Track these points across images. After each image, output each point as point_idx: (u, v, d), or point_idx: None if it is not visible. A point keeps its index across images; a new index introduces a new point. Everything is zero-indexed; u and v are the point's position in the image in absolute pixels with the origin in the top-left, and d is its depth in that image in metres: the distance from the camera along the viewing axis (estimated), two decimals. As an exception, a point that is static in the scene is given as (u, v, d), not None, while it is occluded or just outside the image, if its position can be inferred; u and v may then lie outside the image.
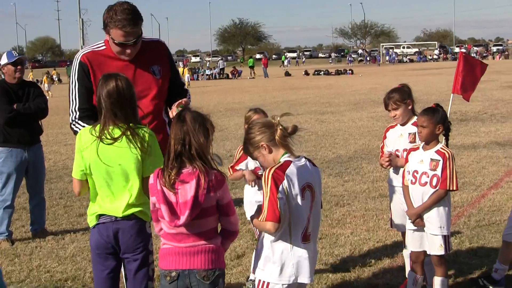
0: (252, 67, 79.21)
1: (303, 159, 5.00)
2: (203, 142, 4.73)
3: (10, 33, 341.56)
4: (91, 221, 5.32)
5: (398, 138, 7.18)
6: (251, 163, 7.30)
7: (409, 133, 7.07)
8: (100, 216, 5.26)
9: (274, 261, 4.94)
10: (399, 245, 8.68)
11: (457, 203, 11.03)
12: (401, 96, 7.08)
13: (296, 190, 4.83)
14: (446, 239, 6.51)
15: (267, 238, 4.97)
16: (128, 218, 5.22)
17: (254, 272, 5.35)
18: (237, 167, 7.36)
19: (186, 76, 65.35)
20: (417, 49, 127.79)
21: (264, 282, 4.99)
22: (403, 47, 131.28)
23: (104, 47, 6.05)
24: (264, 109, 7.50)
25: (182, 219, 4.65)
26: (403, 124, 7.15)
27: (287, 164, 4.86)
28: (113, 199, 5.22)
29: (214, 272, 4.81)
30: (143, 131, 5.21)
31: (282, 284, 4.94)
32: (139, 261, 5.31)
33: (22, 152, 9.71)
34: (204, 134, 4.74)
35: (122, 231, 5.21)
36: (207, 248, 4.80)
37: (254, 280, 7.55)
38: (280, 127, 4.90)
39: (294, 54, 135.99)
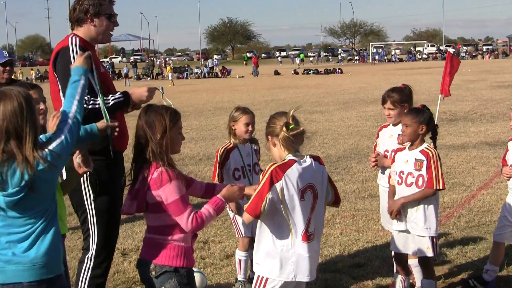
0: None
1: (308, 159, 5.00)
2: (159, 139, 4.81)
3: (0, 31, 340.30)
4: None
5: (389, 138, 7.17)
6: (232, 162, 7.30)
7: (399, 134, 7.01)
8: None
9: (274, 257, 4.95)
10: (389, 246, 8.66)
11: (447, 204, 11.04)
12: (401, 98, 7.01)
13: (293, 191, 4.84)
14: (433, 240, 6.49)
15: (268, 234, 4.98)
16: None
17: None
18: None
19: (169, 75, 65.41)
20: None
21: (262, 277, 5.02)
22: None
23: (79, 39, 6.17)
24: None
25: (123, 208, 4.96)
26: (395, 125, 7.12)
27: (290, 163, 4.88)
28: None
29: (161, 268, 4.85)
30: None
31: (281, 281, 4.96)
32: None
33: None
34: (161, 131, 4.82)
35: None
36: (162, 243, 4.87)
37: (242, 281, 7.58)
38: (284, 128, 4.90)
39: (284, 53, 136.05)
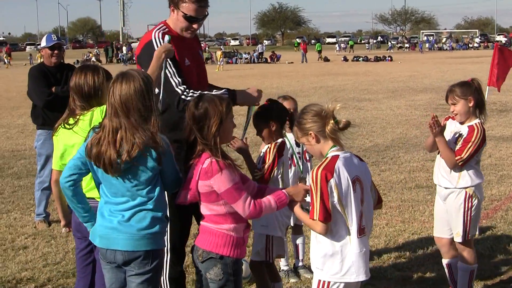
0: (320, 51, 78.99)
1: (349, 152, 4.90)
2: (215, 129, 4.80)
3: (52, 13, 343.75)
4: None
5: (450, 133, 6.64)
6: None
7: (460, 134, 6.51)
8: None
9: (335, 258, 4.82)
10: (435, 238, 8.61)
11: (495, 196, 10.91)
12: (462, 91, 6.49)
13: (346, 184, 4.72)
14: None
15: (326, 237, 4.83)
16: None
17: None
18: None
19: (220, 60, 65.30)
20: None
21: (324, 282, 4.86)
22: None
23: (167, 29, 6.11)
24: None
25: (178, 197, 5.00)
26: (461, 123, 6.57)
27: (334, 160, 4.75)
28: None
29: (208, 254, 4.89)
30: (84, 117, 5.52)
31: (345, 282, 4.82)
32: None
33: (60, 134, 9.78)
34: (217, 121, 4.81)
35: None
36: (211, 230, 4.91)
37: (286, 270, 7.56)
38: (332, 121, 4.78)
39: (334, 39, 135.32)
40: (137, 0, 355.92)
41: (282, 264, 7.61)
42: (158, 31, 6.05)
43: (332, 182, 4.69)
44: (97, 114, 5.44)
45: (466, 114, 6.51)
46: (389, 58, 72.28)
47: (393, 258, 8.03)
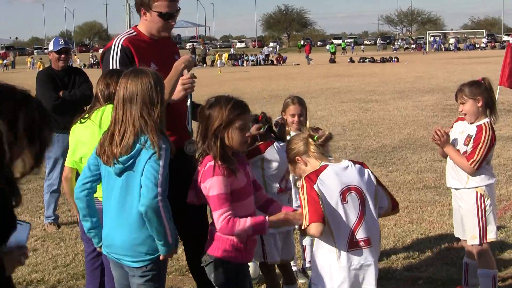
0: (334, 53, 78.96)
1: (347, 162, 4.84)
2: (213, 132, 4.75)
3: (59, 18, 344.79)
4: None
5: (459, 134, 6.56)
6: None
7: (468, 134, 6.44)
8: None
9: (324, 275, 4.76)
10: (443, 238, 8.63)
11: (503, 196, 10.89)
12: (471, 91, 6.40)
13: (331, 193, 4.67)
14: None
15: (318, 252, 4.83)
16: None
17: None
18: None
19: (218, 62, 65.72)
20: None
21: None
22: None
23: (135, 33, 6.05)
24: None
25: (188, 196, 4.98)
26: (471, 123, 6.47)
27: (322, 168, 4.75)
28: None
29: (210, 258, 4.88)
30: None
31: None
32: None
33: (68, 138, 9.79)
34: (216, 124, 4.75)
35: None
36: (214, 234, 4.87)
37: (295, 271, 7.56)
38: (310, 139, 4.81)
39: (340, 41, 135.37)
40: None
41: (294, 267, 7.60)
42: (121, 38, 5.98)
43: (316, 188, 4.66)
44: (108, 110, 5.48)
45: (475, 114, 6.40)
46: (395, 59, 72.16)
47: (402, 259, 8.02)
